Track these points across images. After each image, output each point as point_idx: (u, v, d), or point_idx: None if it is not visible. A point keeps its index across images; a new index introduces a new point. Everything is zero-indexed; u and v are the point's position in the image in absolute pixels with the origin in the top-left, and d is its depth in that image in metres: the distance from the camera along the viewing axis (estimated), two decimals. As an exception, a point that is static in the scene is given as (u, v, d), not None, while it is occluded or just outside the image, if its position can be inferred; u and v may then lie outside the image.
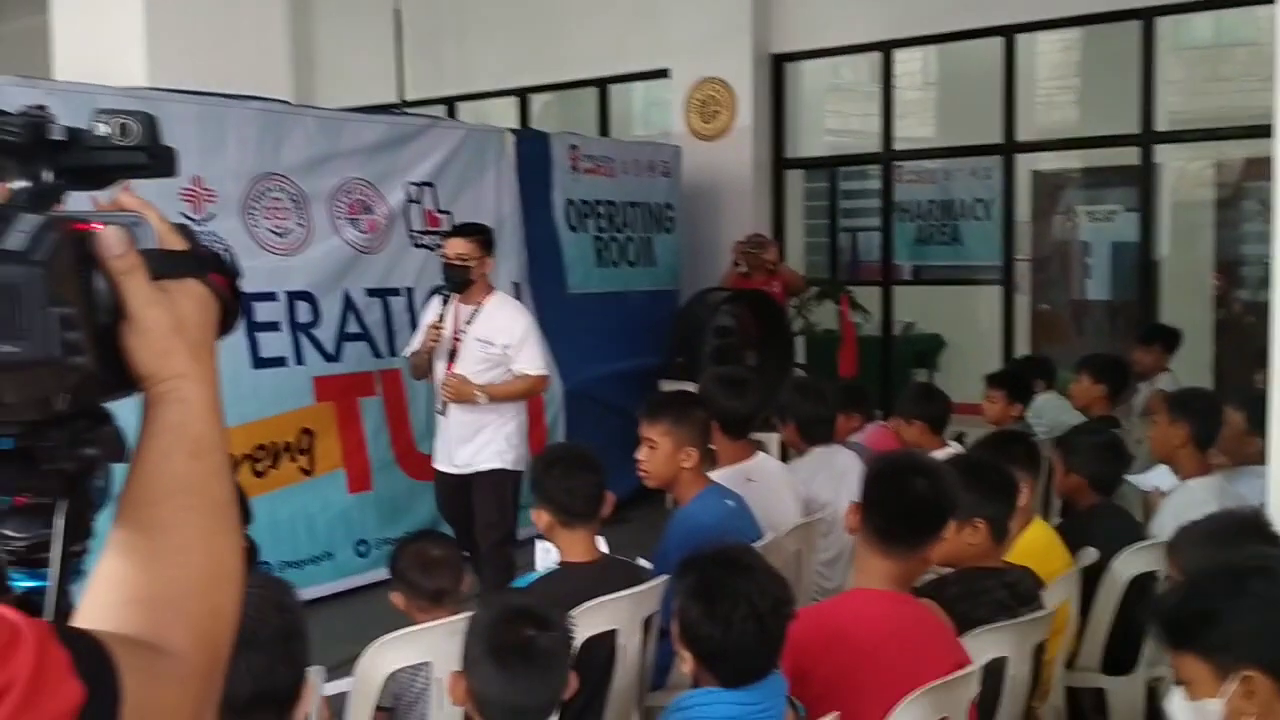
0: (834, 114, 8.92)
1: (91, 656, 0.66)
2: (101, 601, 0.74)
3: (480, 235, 4.80)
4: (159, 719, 0.69)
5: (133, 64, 4.88)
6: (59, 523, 0.77)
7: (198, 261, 0.84)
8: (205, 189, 4.71)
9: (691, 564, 2.19)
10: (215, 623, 0.77)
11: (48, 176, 0.81)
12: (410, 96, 8.92)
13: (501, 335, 4.65)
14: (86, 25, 5.06)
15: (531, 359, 4.70)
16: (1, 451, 0.75)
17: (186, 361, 0.79)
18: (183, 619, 0.74)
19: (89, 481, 0.79)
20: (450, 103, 9.48)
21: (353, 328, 5.39)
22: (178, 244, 0.83)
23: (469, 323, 4.66)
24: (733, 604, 2.06)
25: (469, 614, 2.23)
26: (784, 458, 4.67)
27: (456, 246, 4.72)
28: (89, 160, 0.82)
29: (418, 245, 5.70)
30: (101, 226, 0.75)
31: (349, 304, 5.38)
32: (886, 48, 7.74)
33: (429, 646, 2.54)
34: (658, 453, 3.37)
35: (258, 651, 1.60)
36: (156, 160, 0.84)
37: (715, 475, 3.53)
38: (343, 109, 6.31)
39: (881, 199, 8.12)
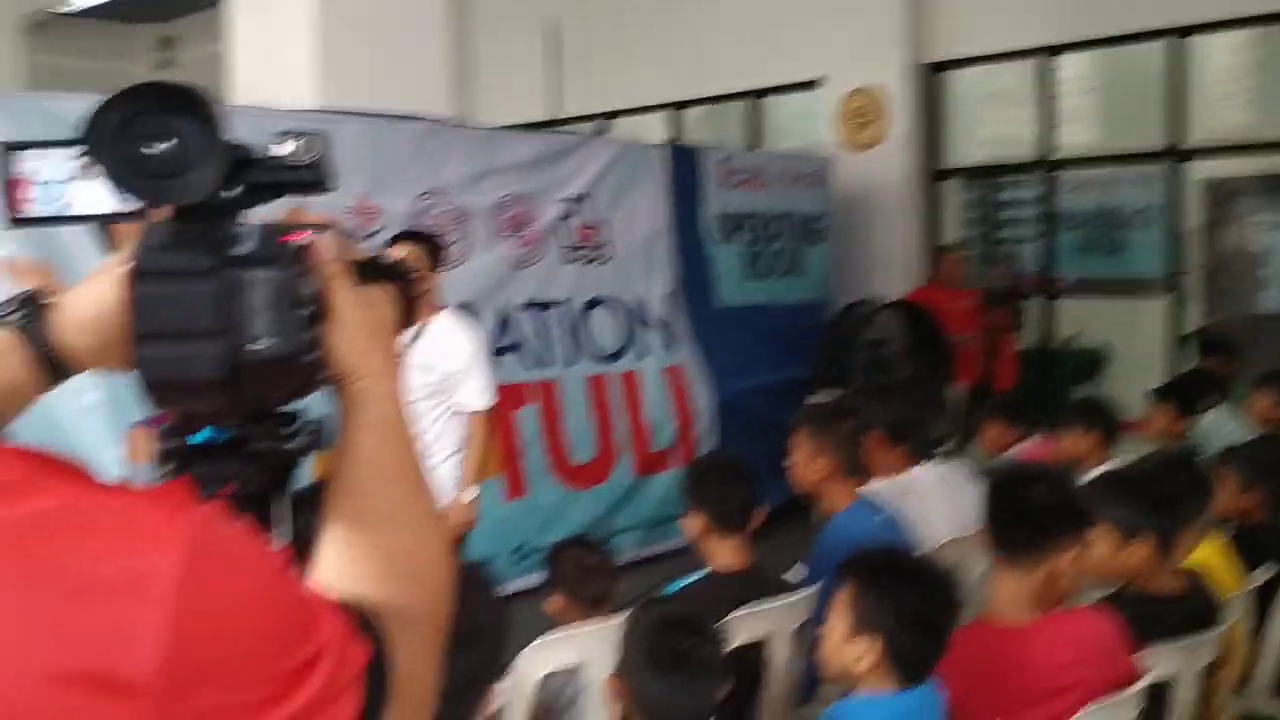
0: (990, 122, 8.72)
1: (363, 621, 0.71)
2: (337, 584, 0.77)
3: (427, 242, 4.05)
4: (414, 683, 0.74)
5: (304, 87, 5.11)
6: (279, 511, 0.83)
7: (382, 269, 0.90)
8: (371, 205, 4.91)
9: (862, 557, 2.19)
10: (441, 595, 0.82)
11: (232, 192, 0.88)
12: (566, 113, 9.10)
13: (444, 360, 3.94)
14: (262, 52, 5.32)
15: (477, 390, 4.01)
16: (219, 443, 0.82)
17: (382, 360, 0.84)
18: (417, 591, 0.79)
19: (295, 471, 0.85)
20: (607, 118, 9.63)
21: (507, 340, 5.52)
22: (357, 254, 0.90)
23: (409, 345, 3.78)
24: (905, 589, 2.06)
25: (621, 617, 2.26)
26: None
27: (397, 254, 3.79)
28: (269, 178, 0.88)
29: (571, 260, 5.82)
30: (310, 234, 0.81)
31: (505, 317, 5.52)
32: (1047, 53, 7.56)
33: (582, 648, 2.59)
34: (798, 460, 3.38)
35: (469, 636, 1.66)
36: (327, 179, 0.90)
37: (871, 488, 3.50)
38: (500, 126, 6.49)
39: (1042, 208, 7.92)
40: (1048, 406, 7.00)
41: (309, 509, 0.83)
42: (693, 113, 9.51)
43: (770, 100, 9.03)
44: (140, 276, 0.72)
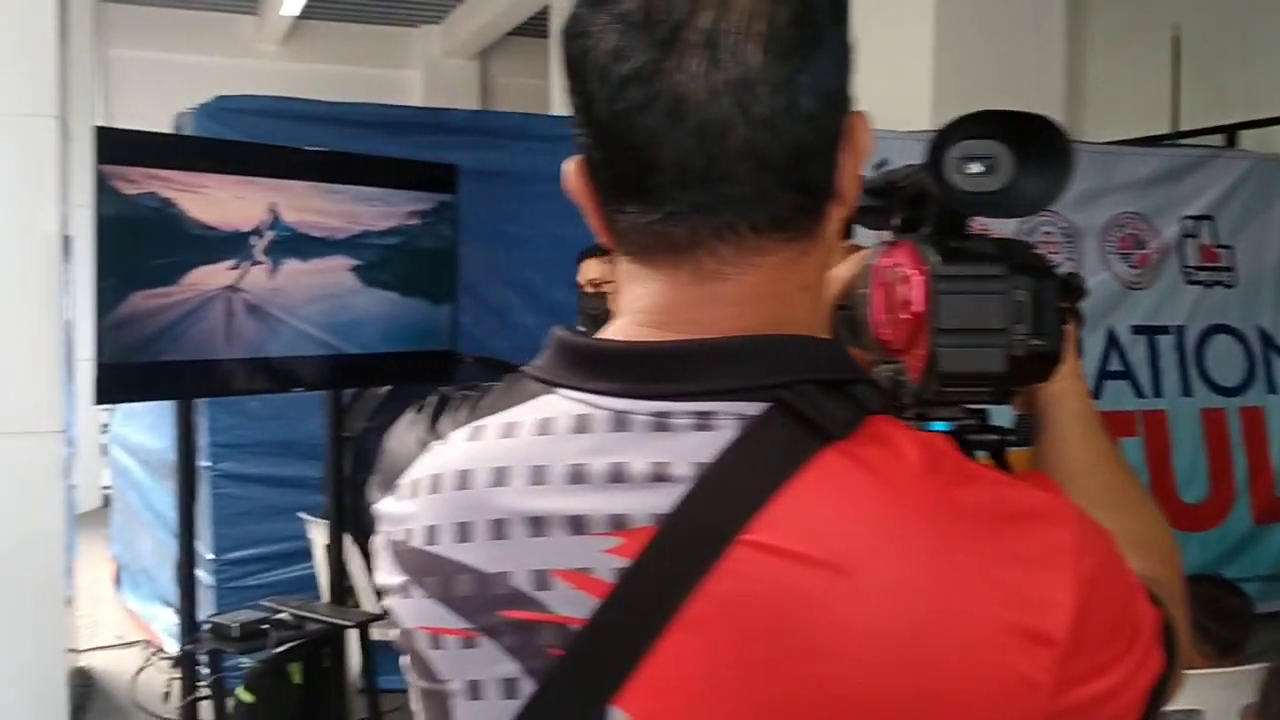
0: None
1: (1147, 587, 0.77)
2: None
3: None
4: (1182, 651, 0.79)
5: (919, 109, 5.23)
6: None
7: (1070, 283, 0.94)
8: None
9: None
10: (1178, 567, 0.86)
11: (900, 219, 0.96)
12: (1185, 126, 8.49)
13: None
14: (883, 76, 5.53)
15: None
16: (948, 433, 0.90)
17: (1073, 362, 0.91)
18: (1160, 564, 0.82)
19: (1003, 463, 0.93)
20: (1230, 130, 8.85)
21: (1114, 365, 5.27)
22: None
23: None
24: None
25: (1255, 667, 2.09)
26: None
27: (590, 270, 3.88)
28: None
29: (1191, 282, 5.43)
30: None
31: (1112, 340, 5.27)
32: None
33: (1204, 693, 2.44)
34: None
35: None
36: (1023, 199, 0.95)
37: None
38: (1112, 142, 6.20)
39: None
40: None
41: None
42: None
43: None
44: (942, 279, 0.81)
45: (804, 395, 0.65)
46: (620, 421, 0.67)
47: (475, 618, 0.69)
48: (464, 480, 0.70)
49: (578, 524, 0.66)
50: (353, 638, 3.98)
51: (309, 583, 4.54)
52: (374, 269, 3.86)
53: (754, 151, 0.65)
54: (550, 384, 0.71)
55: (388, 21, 11.25)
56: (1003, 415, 0.98)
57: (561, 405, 0.70)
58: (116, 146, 3.21)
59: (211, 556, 4.71)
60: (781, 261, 0.68)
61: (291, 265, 3.61)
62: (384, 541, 0.75)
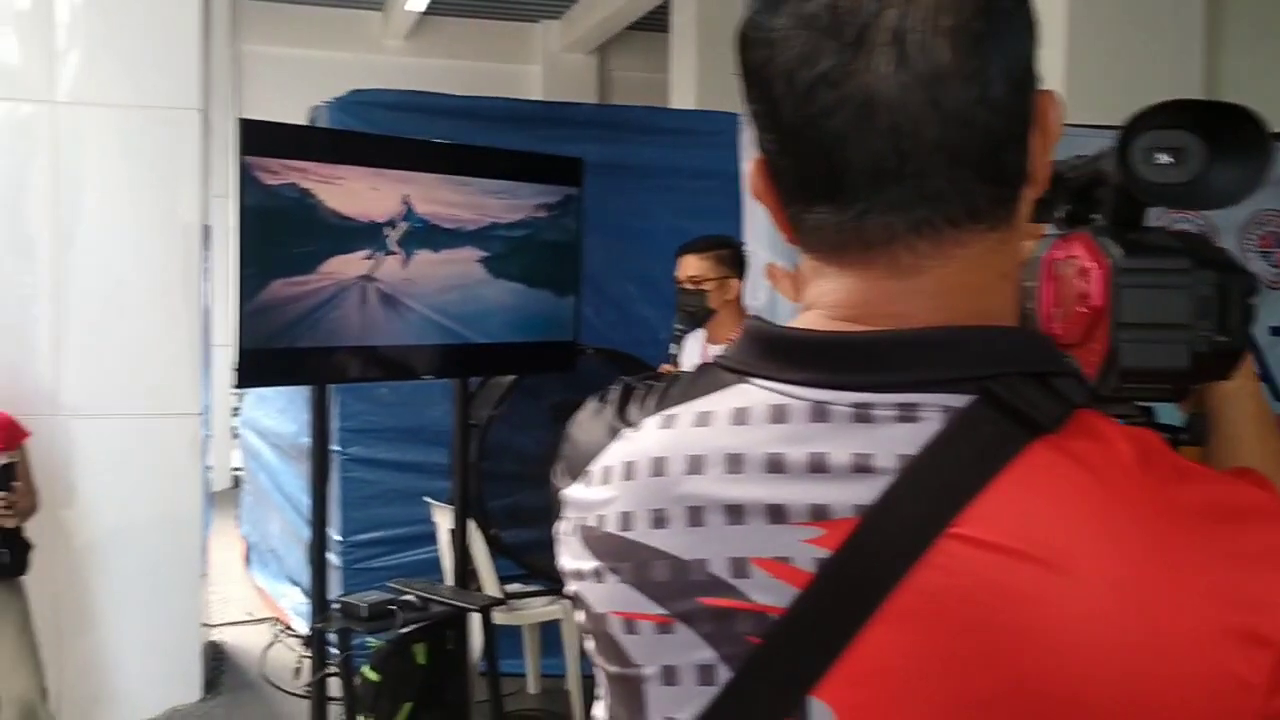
0: None
1: None
2: None
3: (718, 250, 3.76)
4: None
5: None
6: None
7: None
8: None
9: None
10: None
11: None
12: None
13: None
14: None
15: None
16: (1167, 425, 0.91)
17: (1250, 360, 0.90)
18: None
19: None
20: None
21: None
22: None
23: None
24: None
25: None
26: None
27: (688, 266, 3.76)
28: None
29: (1336, 282, 5.22)
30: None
31: (1249, 343, 5.09)
32: None
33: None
34: None
35: None
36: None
37: None
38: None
39: None
40: None
41: None
42: None
43: None
44: (1125, 273, 0.80)
45: (1011, 387, 0.64)
46: (819, 412, 0.67)
47: (671, 604, 0.69)
48: (659, 467, 0.70)
49: (777, 513, 0.66)
50: (475, 621, 4.06)
51: (431, 566, 4.65)
52: (501, 260, 3.92)
53: (948, 147, 0.65)
54: (743, 374, 0.71)
55: (510, 17, 11.39)
56: (1168, 414, 0.97)
57: (757, 394, 0.70)
58: (259, 138, 3.31)
59: (339, 538, 4.85)
60: (980, 252, 0.68)
61: (423, 256, 3.69)
62: (572, 527, 0.76)
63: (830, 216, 0.67)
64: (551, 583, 4.60)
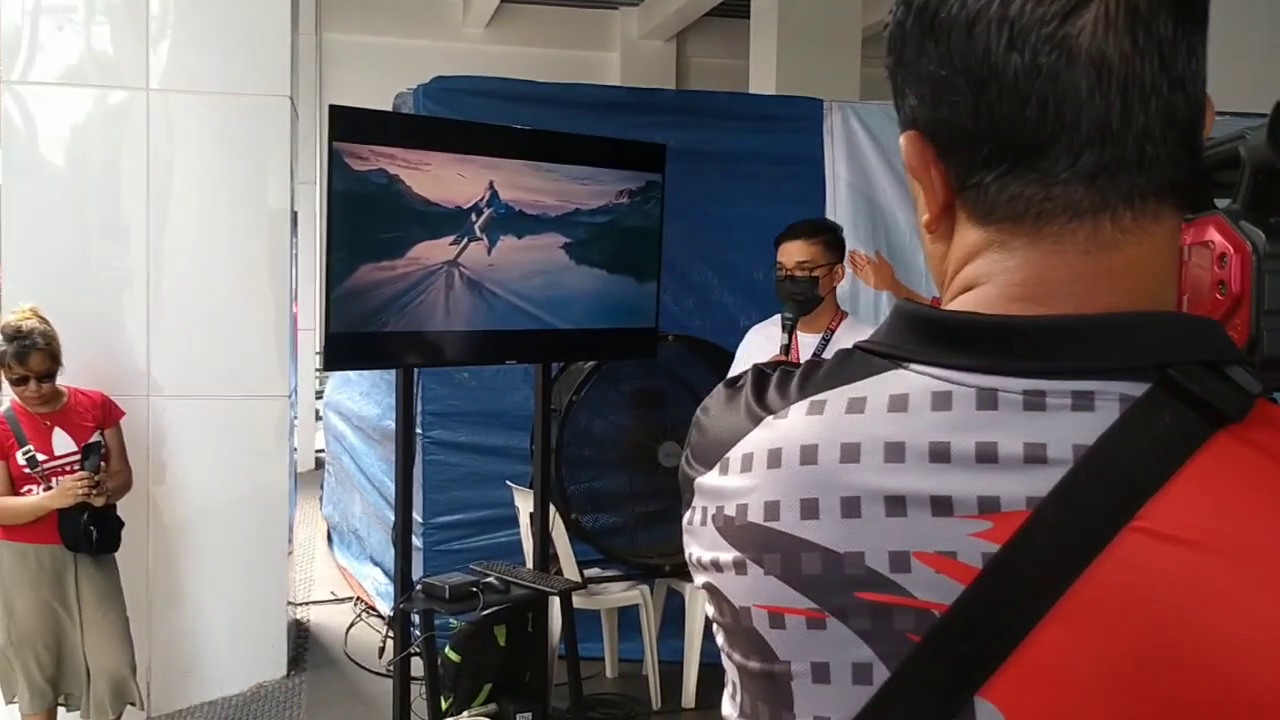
0: None
1: None
2: None
3: (825, 235, 3.70)
4: None
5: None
6: None
7: None
8: None
9: None
10: None
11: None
12: None
13: None
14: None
15: None
16: None
17: None
18: None
19: None
20: None
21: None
22: None
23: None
24: None
25: None
26: None
27: (794, 252, 3.66)
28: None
29: None
30: None
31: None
32: None
33: None
34: None
35: None
36: None
37: None
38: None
39: None
40: None
41: None
42: None
43: None
44: (1271, 258, 0.78)
45: (1191, 375, 0.62)
46: (987, 399, 0.64)
47: (824, 598, 0.66)
48: (809, 455, 0.67)
49: (941, 505, 0.63)
50: (555, 605, 4.09)
51: (511, 548, 4.69)
52: (584, 246, 3.94)
53: (1170, 112, 0.64)
54: (898, 359, 0.68)
55: (588, 4, 11.41)
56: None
57: (916, 380, 0.67)
58: (349, 124, 3.35)
59: (420, 520, 4.91)
60: (1168, 231, 0.67)
61: (508, 242, 3.72)
62: (706, 517, 0.73)
63: (1034, 183, 0.65)
64: (629, 568, 4.62)
